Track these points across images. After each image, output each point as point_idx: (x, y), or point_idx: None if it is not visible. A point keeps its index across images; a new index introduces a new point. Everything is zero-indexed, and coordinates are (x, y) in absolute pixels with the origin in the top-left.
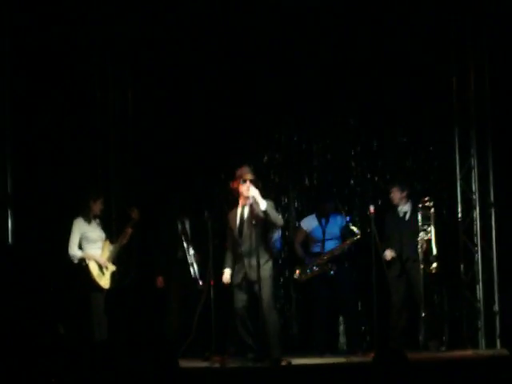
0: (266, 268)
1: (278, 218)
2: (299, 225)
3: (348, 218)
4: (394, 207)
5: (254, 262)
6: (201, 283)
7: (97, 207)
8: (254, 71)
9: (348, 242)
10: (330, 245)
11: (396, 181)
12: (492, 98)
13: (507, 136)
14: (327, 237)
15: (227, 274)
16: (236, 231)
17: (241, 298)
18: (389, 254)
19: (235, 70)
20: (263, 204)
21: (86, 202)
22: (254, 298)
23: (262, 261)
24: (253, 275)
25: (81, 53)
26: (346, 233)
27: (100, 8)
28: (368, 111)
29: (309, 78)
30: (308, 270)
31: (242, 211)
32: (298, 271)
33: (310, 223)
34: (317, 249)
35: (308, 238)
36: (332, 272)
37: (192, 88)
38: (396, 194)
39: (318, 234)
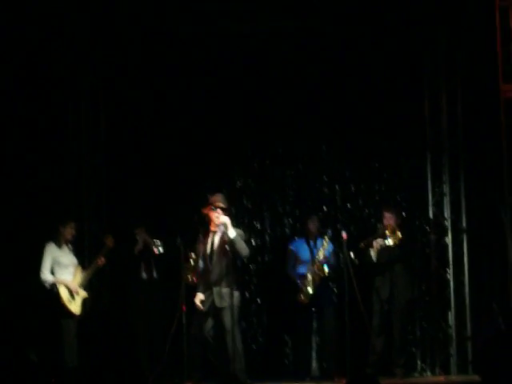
0: (235, 296)
1: (243, 248)
2: (288, 247)
3: (331, 247)
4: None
5: (222, 289)
6: None
7: (67, 232)
8: (227, 98)
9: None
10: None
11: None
12: (464, 123)
13: (479, 162)
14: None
15: (198, 298)
16: (206, 258)
17: (207, 325)
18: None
19: (209, 96)
20: (232, 232)
21: (56, 227)
22: (220, 324)
23: (229, 289)
24: (220, 303)
25: (54, 78)
26: (331, 256)
27: (74, 32)
28: (340, 137)
29: (281, 103)
30: (305, 288)
31: (213, 238)
32: (300, 296)
33: (298, 245)
34: (303, 270)
35: (296, 259)
36: (327, 269)
37: (165, 114)
38: (391, 220)
39: (306, 255)
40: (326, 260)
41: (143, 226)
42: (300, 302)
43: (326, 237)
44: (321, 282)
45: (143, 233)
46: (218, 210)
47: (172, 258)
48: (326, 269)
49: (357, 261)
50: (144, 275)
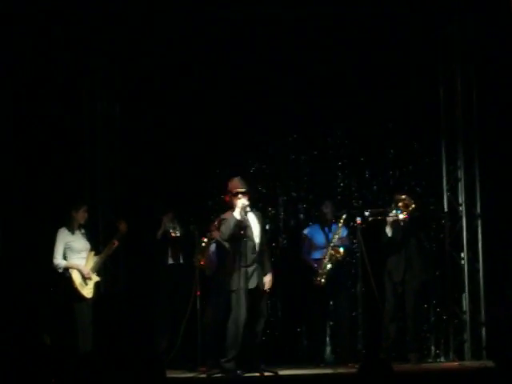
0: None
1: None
2: (303, 233)
3: (345, 232)
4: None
5: (251, 271)
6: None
7: (80, 216)
8: (242, 83)
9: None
10: None
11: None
12: (479, 108)
13: (494, 147)
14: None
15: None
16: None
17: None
18: None
19: (224, 80)
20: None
21: (69, 212)
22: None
23: (260, 271)
24: (247, 284)
25: (70, 60)
26: (347, 241)
27: (91, 15)
28: (354, 122)
29: (296, 89)
30: (324, 267)
31: (238, 221)
32: (317, 278)
33: (313, 231)
34: (318, 255)
35: (311, 245)
36: (342, 250)
37: (181, 98)
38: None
39: (321, 241)
40: (342, 242)
41: (169, 212)
42: (316, 284)
43: (341, 220)
44: (335, 267)
45: (169, 218)
46: (240, 195)
47: (188, 243)
48: (341, 250)
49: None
50: (170, 260)
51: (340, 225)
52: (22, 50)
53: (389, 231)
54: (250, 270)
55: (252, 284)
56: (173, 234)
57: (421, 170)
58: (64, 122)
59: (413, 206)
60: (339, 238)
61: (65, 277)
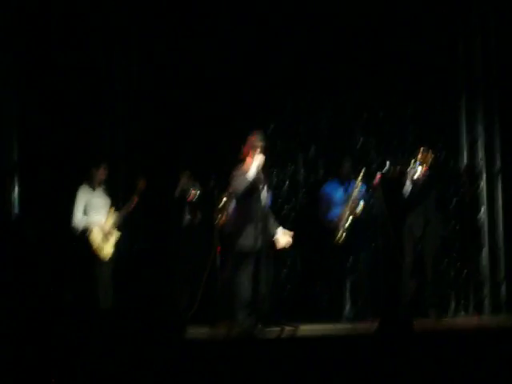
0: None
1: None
2: (321, 193)
3: (364, 187)
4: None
5: (268, 226)
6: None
7: (100, 173)
8: (262, 36)
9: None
10: None
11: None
12: (498, 66)
13: None
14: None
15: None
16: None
17: (251, 262)
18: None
19: (244, 34)
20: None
21: (89, 169)
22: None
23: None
24: (263, 240)
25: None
26: (366, 196)
27: None
28: (374, 80)
29: (314, 46)
30: (343, 223)
31: (253, 177)
32: (337, 234)
33: (331, 187)
34: (338, 211)
35: (330, 202)
36: (361, 205)
37: (201, 52)
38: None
39: (340, 197)
40: (361, 196)
41: (187, 169)
42: (336, 240)
43: (359, 177)
44: (355, 222)
45: (187, 176)
46: (258, 150)
47: (208, 201)
48: (361, 204)
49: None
50: (188, 217)
51: (359, 180)
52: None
53: (408, 186)
54: (259, 228)
55: (260, 243)
56: (193, 192)
57: (440, 126)
58: (83, 78)
59: (432, 159)
60: (358, 194)
61: (86, 233)
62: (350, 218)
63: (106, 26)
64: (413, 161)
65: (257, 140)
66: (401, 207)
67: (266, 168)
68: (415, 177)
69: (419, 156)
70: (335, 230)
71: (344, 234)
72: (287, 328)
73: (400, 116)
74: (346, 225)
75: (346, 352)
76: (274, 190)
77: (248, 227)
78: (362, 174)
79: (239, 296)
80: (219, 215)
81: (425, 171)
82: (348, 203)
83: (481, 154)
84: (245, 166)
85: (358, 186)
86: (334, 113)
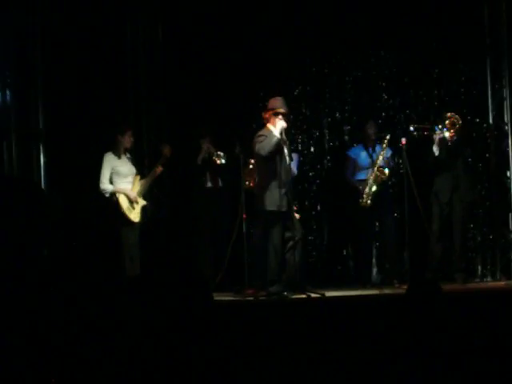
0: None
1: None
2: (347, 155)
3: (389, 152)
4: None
5: (284, 192)
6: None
7: (126, 141)
8: (287, 9)
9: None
10: None
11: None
12: None
13: None
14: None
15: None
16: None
17: (280, 228)
18: None
19: (269, 6)
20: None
21: (115, 137)
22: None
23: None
24: (289, 204)
25: None
26: (391, 161)
27: None
28: (398, 43)
29: (340, 11)
30: (369, 188)
31: (278, 139)
32: (362, 200)
33: (357, 152)
34: (363, 176)
35: (355, 166)
36: (387, 170)
37: (224, 20)
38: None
39: (365, 161)
40: (387, 163)
41: (208, 136)
42: (361, 206)
43: (385, 141)
44: (381, 187)
45: (208, 143)
46: (280, 116)
47: (234, 167)
48: (386, 171)
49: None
50: (209, 184)
51: (384, 145)
52: None
53: (435, 150)
54: (283, 191)
55: (285, 207)
56: (217, 162)
57: (466, 90)
58: (107, 49)
59: (460, 123)
60: (384, 159)
61: (112, 201)
62: (374, 186)
63: None
64: (440, 126)
65: (278, 105)
66: (427, 173)
67: (288, 132)
68: (442, 142)
69: (447, 122)
70: (360, 195)
71: (369, 201)
72: (313, 295)
73: (425, 80)
74: (371, 191)
75: (373, 316)
76: (300, 156)
77: (274, 188)
78: (386, 140)
79: (267, 261)
80: (248, 179)
81: (451, 136)
82: (373, 170)
83: (507, 117)
84: (267, 131)
85: (384, 153)
86: (358, 77)
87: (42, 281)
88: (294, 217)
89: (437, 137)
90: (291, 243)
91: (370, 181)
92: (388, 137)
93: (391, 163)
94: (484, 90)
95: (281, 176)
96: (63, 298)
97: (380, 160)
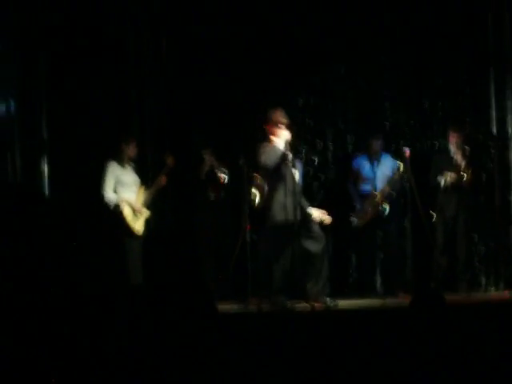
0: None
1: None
2: (352, 165)
3: (396, 163)
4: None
5: (294, 203)
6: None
7: (130, 151)
8: (288, 15)
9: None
10: (380, 185)
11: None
12: None
13: None
14: (378, 176)
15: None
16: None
17: (288, 239)
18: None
19: (269, 13)
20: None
21: (119, 146)
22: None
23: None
24: (298, 213)
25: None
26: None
27: None
28: (402, 53)
29: (342, 20)
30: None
31: (282, 152)
32: (355, 219)
33: (361, 162)
34: (367, 187)
35: (358, 178)
36: (386, 212)
37: (227, 31)
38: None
39: (369, 173)
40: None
41: (210, 147)
42: (355, 225)
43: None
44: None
45: (210, 155)
46: (282, 126)
47: (237, 181)
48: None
49: None
50: (212, 196)
51: (396, 174)
52: None
53: (442, 183)
54: (293, 201)
55: (294, 216)
56: (221, 179)
57: (469, 100)
58: (111, 59)
59: (462, 139)
60: (391, 182)
61: (116, 211)
62: (387, 206)
63: None
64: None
65: (279, 117)
66: (431, 187)
67: (292, 143)
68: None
69: (450, 137)
70: (355, 210)
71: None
72: (317, 304)
73: (429, 90)
74: (384, 205)
75: (377, 326)
76: (304, 167)
77: (281, 200)
78: (400, 167)
79: (272, 272)
80: (255, 192)
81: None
82: (382, 190)
83: (510, 128)
84: (271, 143)
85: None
86: (362, 87)
87: (42, 284)
88: (313, 226)
89: (449, 177)
90: (308, 257)
91: (378, 197)
92: (408, 151)
93: (395, 174)
94: (487, 100)
95: (289, 186)
96: (63, 299)
97: (389, 185)
